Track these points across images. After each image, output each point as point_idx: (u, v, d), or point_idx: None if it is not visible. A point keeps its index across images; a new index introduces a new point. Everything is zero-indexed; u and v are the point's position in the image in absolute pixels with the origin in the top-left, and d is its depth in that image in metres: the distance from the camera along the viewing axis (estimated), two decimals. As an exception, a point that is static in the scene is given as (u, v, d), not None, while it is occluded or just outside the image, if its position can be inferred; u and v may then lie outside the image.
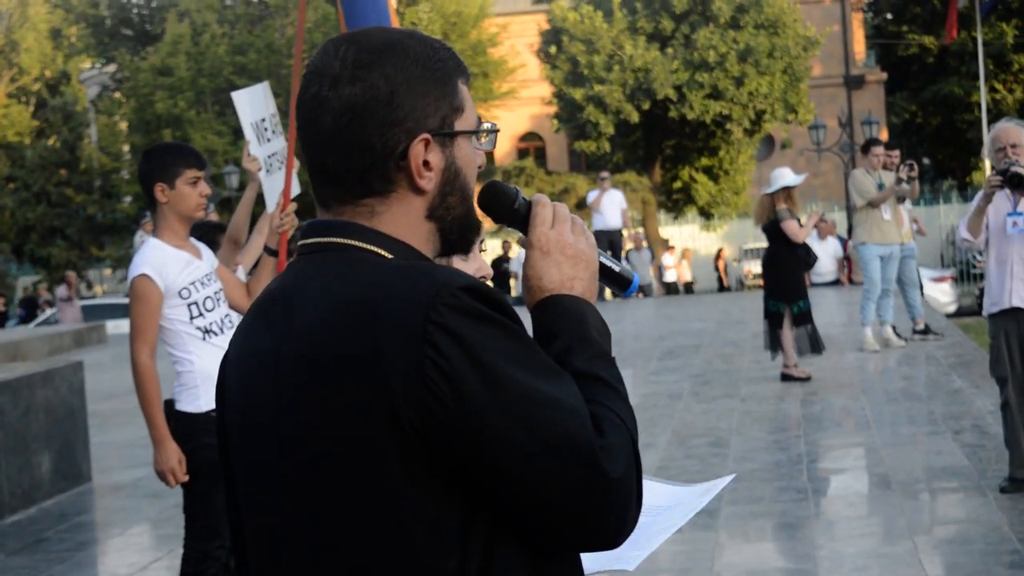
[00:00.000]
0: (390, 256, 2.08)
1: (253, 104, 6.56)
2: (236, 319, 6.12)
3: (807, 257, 13.19)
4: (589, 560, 2.40)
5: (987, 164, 9.14)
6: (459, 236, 2.18)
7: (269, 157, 6.54)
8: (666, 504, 2.56)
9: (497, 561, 2.02)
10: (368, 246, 2.09)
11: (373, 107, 2.07)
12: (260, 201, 6.73)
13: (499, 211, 2.24)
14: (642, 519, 2.52)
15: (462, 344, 1.94)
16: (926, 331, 15.25)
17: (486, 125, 2.21)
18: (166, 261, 5.74)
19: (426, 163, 2.10)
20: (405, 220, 2.12)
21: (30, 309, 36.16)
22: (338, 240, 2.11)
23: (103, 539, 9.11)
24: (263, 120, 6.54)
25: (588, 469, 1.96)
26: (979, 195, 8.42)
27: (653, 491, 2.60)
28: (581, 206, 31.86)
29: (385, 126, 2.08)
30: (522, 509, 1.99)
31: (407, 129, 2.08)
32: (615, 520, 2.01)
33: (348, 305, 2.00)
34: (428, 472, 1.97)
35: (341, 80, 2.09)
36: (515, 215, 2.24)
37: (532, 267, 2.17)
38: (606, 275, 2.30)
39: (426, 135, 2.09)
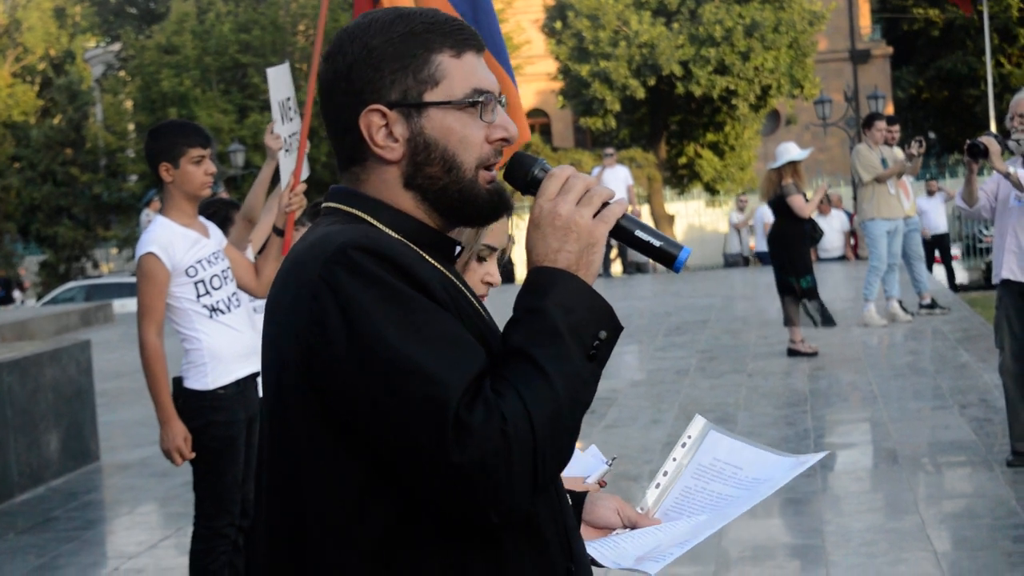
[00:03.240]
0: (369, 218, 2.18)
1: (283, 82, 6.57)
2: (244, 297, 6.12)
3: (813, 232, 13.17)
4: (617, 550, 2.38)
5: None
6: (458, 207, 2.21)
7: (290, 136, 6.55)
8: (756, 476, 2.50)
9: (406, 525, 2.05)
10: (351, 209, 2.20)
11: (335, 83, 2.21)
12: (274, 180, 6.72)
13: (517, 182, 2.25)
14: (731, 491, 2.48)
15: (340, 301, 2.02)
16: (933, 305, 15.25)
17: (480, 97, 2.20)
18: (173, 239, 5.74)
19: (391, 134, 2.17)
20: (384, 187, 2.20)
21: (7, 290, 35.89)
22: (331, 204, 2.24)
23: (111, 518, 9.13)
24: (288, 99, 6.55)
25: (430, 446, 1.97)
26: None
27: (745, 457, 2.54)
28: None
29: (344, 99, 2.19)
30: (390, 470, 2.04)
31: (362, 101, 2.18)
32: (462, 502, 1.99)
33: (289, 261, 2.15)
34: (321, 423, 2.06)
35: (326, 61, 2.23)
36: (531, 186, 2.23)
37: (526, 239, 2.18)
38: (647, 251, 2.22)
39: (377, 106, 2.17)
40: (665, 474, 2.55)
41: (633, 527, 2.49)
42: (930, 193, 24.81)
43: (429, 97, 2.17)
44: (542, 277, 2.11)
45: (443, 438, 1.95)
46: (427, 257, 2.18)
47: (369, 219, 2.17)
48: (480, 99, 2.19)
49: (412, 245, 2.17)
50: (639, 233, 2.20)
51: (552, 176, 2.18)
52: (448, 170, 2.17)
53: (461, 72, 2.19)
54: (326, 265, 2.04)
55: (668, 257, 2.20)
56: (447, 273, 2.20)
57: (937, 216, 24.55)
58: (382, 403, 1.99)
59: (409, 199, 2.20)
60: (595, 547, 2.38)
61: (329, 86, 2.22)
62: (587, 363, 2.07)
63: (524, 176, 2.23)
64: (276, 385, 2.13)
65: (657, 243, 2.21)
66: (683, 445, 2.59)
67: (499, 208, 2.23)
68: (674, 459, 2.57)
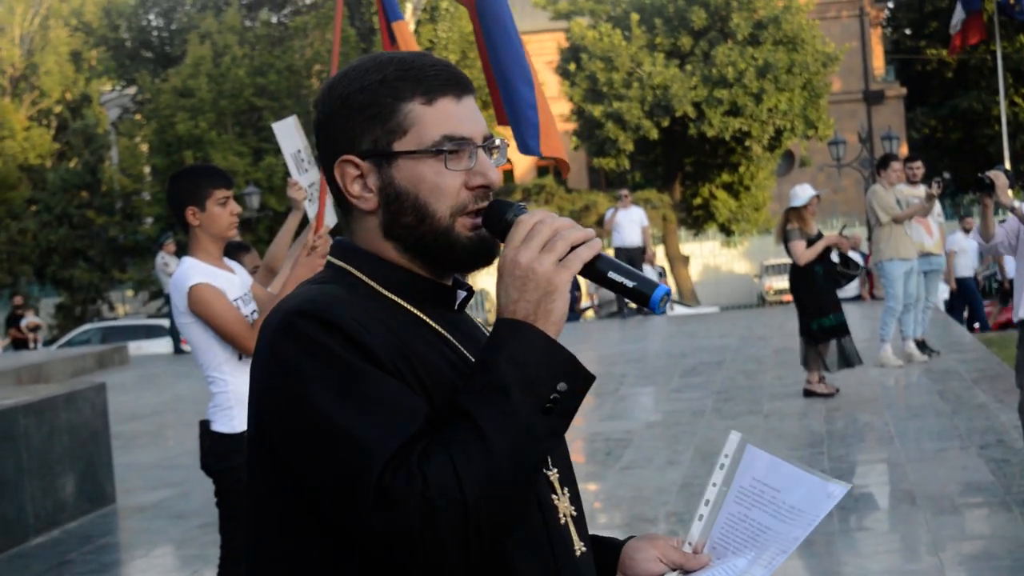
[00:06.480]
0: (356, 272, 2.19)
1: (291, 135, 6.60)
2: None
3: (846, 267, 13.05)
4: None
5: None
6: (437, 255, 2.18)
7: (308, 187, 6.58)
8: (793, 504, 2.31)
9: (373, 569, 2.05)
10: (340, 263, 2.22)
11: (317, 132, 2.23)
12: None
13: (494, 229, 2.20)
14: (770, 521, 2.30)
15: (280, 367, 2.05)
16: (923, 346, 15.19)
17: (448, 145, 2.15)
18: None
19: (366, 184, 2.17)
20: (368, 236, 2.21)
21: None
22: (327, 258, 2.27)
23: (127, 560, 9.11)
24: (299, 151, 6.58)
25: (354, 514, 1.97)
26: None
27: (782, 475, 2.36)
28: (602, 224, 31.85)
29: (324, 150, 2.21)
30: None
31: (335, 152, 2.19)
32: (400, 564, 1.98)
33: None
34: (276, 475, 2.11)
35: (315, 110, 2.25)
36: (505, 233, 2.17)
37: (495, 289, 2.15)
38: (621, 292, 2.14)
39: (349, 156, 2.16)
40: (707, 503, 2.41)
41: (682, 570, 2.34)
42: (966, 231, 24.59)
43: (398, 147, 2.14)
44: (500, 329, 2.06)
45: (364, 505, 1.94)
46: (413, 310, 2.16)
47: (356, 273, 2.18)
48: (447, 147, 2.14)
49: (399, 299, 2.16)
50: (612, 275, 2.14)
51: (519, 223, 2.11)
52: (422, 219, 2.15)
53: (432, 119, 2.14)
54: (275, 333, 2.07)
55: (642, 297, 2.13)
56: (432, 324, 2.17)
57: (972, 256, 24.32)
58: (313, 470, 2.01)
59: (391, 249, 2.19)
60: None
61: (316, 137, 2.24)
62: (543, 417, 2.01)
63: (499, 223, 2.18)
64: (248, 448, 2.20)
65: (631, 283, 2.13)
66: (721, 467, 2.46)
67: (479, 255, 2.19)
68: (714, 484, 2.44)
